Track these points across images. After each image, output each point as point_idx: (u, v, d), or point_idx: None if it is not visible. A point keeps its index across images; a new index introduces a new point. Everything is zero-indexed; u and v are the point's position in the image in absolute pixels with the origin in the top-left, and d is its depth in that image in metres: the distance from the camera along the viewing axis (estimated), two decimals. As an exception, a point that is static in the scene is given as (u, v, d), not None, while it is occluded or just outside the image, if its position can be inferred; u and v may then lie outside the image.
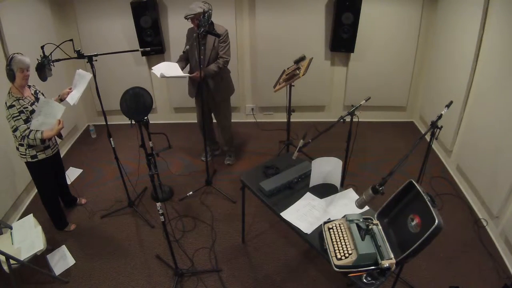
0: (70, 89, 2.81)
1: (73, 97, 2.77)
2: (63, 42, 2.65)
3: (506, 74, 2.81)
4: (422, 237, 1.59)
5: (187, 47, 3.14)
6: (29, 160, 2.70)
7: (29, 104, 2.58)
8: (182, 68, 3.27)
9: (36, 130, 2.54)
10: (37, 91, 2.76)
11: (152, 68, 3.08)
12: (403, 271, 2.37)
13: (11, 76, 2.46)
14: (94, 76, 2.73)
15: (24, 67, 2.46)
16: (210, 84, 3.41)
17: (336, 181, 2.33)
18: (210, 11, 3.15)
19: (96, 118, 4.89)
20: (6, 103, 2.50)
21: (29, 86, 2.69)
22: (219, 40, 3.23)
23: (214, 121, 3.88)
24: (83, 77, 2.79)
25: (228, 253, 2.91)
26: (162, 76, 2.99)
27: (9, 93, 2.52)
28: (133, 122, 2.47)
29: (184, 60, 3.41)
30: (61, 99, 2.83)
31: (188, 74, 3.24)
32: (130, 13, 3.97)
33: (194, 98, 3.57)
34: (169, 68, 3.11)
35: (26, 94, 2.61)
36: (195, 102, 3.64)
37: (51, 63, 2.62)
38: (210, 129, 3.95)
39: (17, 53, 2.46)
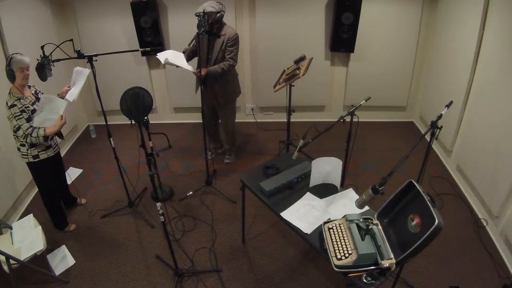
0: (69, 87, 2.81)
1: (72, 94, 2.77)
2: (63, 42, 2.65)
3: (506, 74, 2.81)
4: (422, 237, 1.59)
5: (194, 43, 3.10)
6: (31, 160, 2.70)
7: (30, 103, 2.58)
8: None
9: (39, 128, 2.54)
10: (37, 91, 2.76)
11: (157, 54, 3.02)
12: (403, 271, 2.38)
13: (11, 76, 2.46)
14: (94, 76, 2.73)
15: (24, 66, 2.46)
16: (215, 86, 3.41)
17: (336, 181, 2.33)
18: (222, 12, 3.14)
19: (96, 118, 4.89)
20: (7, 103, 2.50)
21: (29, 86, 2.69)
22: (227, 43, 3.22)
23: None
24: (81, 73, 2.79)
25: (228, 253, 2.91)
26: (166, 62, 2.95)
27: (9, 93, 2.52)
28: (133, 122, 2.47)
29: (188, 54, 3.37)
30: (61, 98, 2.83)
31: (191, 68, 3.17)
32: (130, 13, 3.97)
33: (201, 98, 3.55)
34: (174, 57, 3.06)
35: (27, 94, 2.61)
36: (201, 101, 3.63)
37: (51, 63, 2.62)
38: (215, 128, 3.96)
39: (17, 53, 2.46)
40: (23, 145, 2.64)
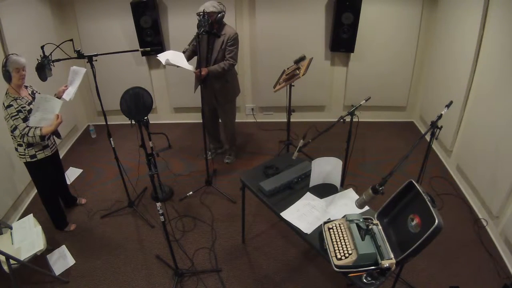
0: (66, 86, 2.81)
1: (68, 93, 2.78)
2: (63, 42, 2.65)
3: (506, 74, 2.81)
4: (422, 237, 1.59)
5: (194, 43, 3.10)
6: (28, 160, 2.70)
7: (27, 103, 2.58)
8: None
9: (35, 127, 2.54)
10: (34, 91, 2.76)
11: (158, 55, 3.02)
12: (403, 271, 2.37)
13: (7, 76, 2.46)
14: (94, 76, 2.72)
15: (20, 66, 2.46)
16: (215, 86, 3.41)
17: (336, 181, 2.32)
18: (223, 12, 3.14)
19: (96, 118, 4.89)
20: (3, 103, 2.51)
21: (26, 87, 2.69)
22: (228, 42, 3.22)
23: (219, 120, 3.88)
24: (78, 72, 2.79)
25: (228, 253, 2.90)
26: (167, 63, 2.95)
27: (6, 93, 2.52)
28: (133, 122, 2.47)
29: (188, 54, 3.36)
30: (58, 98, 2.82)
31: (192, 68, 3.17)
32: (130, 13, 3.97)
33: (201, 98, 3.55)
34: (175, 57, 3.06)
35: (23, 94, 2.61)
36: (201, 101, 3.63)
37: (51, 63, 2.62)
38: (215, 128, 3.96)
39: (12, 54, 2.47)
40: (20, 145, 2.65)
